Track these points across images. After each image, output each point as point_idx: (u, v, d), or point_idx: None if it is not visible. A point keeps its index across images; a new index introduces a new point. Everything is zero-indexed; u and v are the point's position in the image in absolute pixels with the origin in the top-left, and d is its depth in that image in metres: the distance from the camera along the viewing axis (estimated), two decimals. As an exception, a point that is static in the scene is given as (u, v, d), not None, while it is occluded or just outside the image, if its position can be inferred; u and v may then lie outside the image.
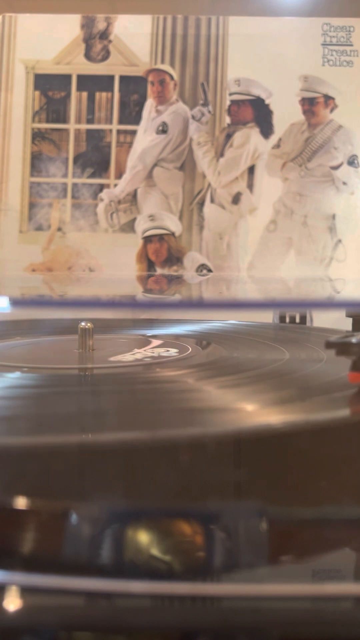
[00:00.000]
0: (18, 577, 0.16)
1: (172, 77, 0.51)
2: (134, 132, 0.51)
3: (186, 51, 0.51)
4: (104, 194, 0.50)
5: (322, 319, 0.48)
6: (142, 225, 0.50)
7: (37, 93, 0.51)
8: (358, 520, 0.19)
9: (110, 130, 0.51)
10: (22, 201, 0.50)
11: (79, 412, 0.24)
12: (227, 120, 0.50)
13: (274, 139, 0.50)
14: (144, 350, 0.33)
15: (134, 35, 0.51)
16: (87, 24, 0.51)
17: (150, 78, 0.51)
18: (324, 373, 0.29)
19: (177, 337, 0.40)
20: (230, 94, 0.50)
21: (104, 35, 0.51)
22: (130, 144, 0.51)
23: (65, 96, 0.51)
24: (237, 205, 0.50)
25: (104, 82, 0.51)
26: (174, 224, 0.50)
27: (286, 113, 0.50)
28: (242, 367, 0.31)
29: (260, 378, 0.29)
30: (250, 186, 0.50)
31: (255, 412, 0.24)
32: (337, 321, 0.42)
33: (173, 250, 0.50)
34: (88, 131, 0.51)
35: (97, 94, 0.51)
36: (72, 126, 0.51)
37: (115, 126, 0.51)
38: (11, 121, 0.51)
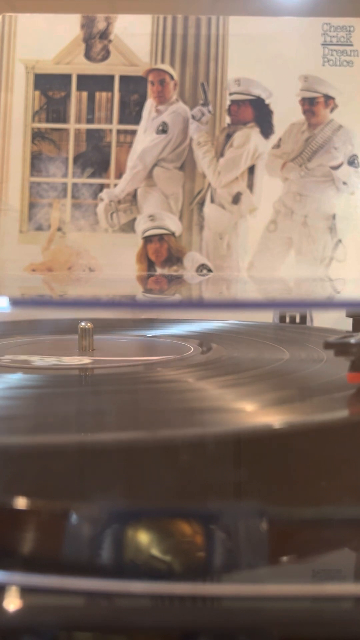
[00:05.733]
0: (18, 577, 0.16)
1: (172, 77, 0.51)
2: (134, 132, 0.51)
3: (186, 51, 0.51)
4: (104, 194, 0.50)
5: (322, 319, 0.48)
6: (142, 225, 0.50)
7: (37, 93, 0.51)
8: (358, 520, 0.19)
9: (110, 130, 0.51)
10: (22, 201, 0.50)
11: (79, 412, 0.24)
12: (227, 120, 0.50)
13: (274, 139, 0.50)
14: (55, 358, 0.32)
15: (134, 35, 0.51)
16: (87, 24, 0.51)
17: (150, 78, 0.51)
18: (324, 373, 0.29)
19: (177, 337, 0.40)
20: (231, 94, 0.50)
21: (104, 35, 0.51)
22: (130, 144, 0.51)
23: (65, 96, 0.51)
24: (237, 205, 0.50)
25: (104, 82, 0.51)
26: (174, 224, 0.50)
27: (286, 113, 0.50)
28: (242, 367, 0.31)
29: (260, 378, 0.29)
30: (250, 186, 0.50)
31: (255, 412, 0.24)
32: (337, 321, 0.42)
33: (173, 250, 0.50)
34: (88, 131, 0.51)
35: (97, 94, 0.51)
36: (72, 126, 0.51)
37: (115, 126, 0.51)
38: (11, 121, 0.51)
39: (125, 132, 0.51)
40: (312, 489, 0.20)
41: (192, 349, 0.35)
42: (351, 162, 0.50)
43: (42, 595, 0.15)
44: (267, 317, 0.49)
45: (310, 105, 0.50)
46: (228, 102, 0.50)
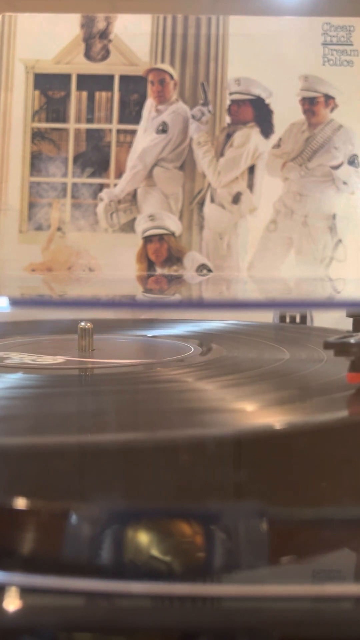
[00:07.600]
0: (18, 577, 0.16)
1: (172, 77, 0.51)
2: (134, 132, 0.50)
3: (186, 51, 0.51)
4: (103, 194, 0.50)
5: (322, 319, 0.48)
6: (142, 225, 0.50)
7: (37, 93, 0.51)
8: (358, 520, 0.19)
9: (110, 130, 0.51)
10: (22, 201, 0.50)
11: (79, 412, 0.24)
12: (227, 119, 0.50)
13: (274, 138, 0.50)
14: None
15: (134, 35, 0.51)
16: (87, 24, 0.51)
17: (150, 77, 0.51)
18: (324, 373, 0.29)
19: (177, 337, 0.40)
20: (231, 94, 0.50)
21: (104, 34, 0.51)
22: (130, 144, 0.51)
23: (65, 96, 0.51)
24: (237, 205, 0.50)
25: (104, 82, 0.51)
26: (174, 224, 0.50)
27: (286, 113, 0.50)
28: (242, 367, 0.31)
29: (260, 378, 0.28)
30: (250, 186, 0.50)
31: (255, 412, 0.24)
32: (338, 321, 0.42)
33: (173, 250, 0.50)
34: (88, 131, 0.51)
35: (97, 94, 0.51)
36: (72, 126, 0.51)
37: (115, 126, 0.51)
38: (11, 121, 0.51)
39: (125, 132, 0.51)
40: (312, 489, 0.20)
41: (192, 349, 0.35)
42: (351, 161, 0.50)
43: (42, 595, 0.15)
44: (267, 317, 0.49)
45: (310, 105, 0.50)
46: (228, 102, 0.50)
